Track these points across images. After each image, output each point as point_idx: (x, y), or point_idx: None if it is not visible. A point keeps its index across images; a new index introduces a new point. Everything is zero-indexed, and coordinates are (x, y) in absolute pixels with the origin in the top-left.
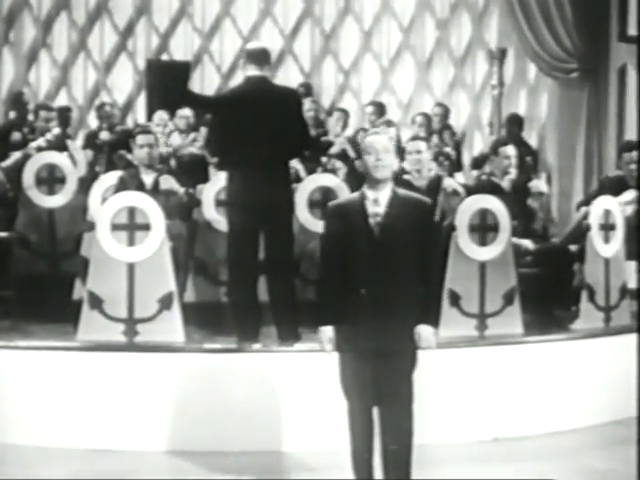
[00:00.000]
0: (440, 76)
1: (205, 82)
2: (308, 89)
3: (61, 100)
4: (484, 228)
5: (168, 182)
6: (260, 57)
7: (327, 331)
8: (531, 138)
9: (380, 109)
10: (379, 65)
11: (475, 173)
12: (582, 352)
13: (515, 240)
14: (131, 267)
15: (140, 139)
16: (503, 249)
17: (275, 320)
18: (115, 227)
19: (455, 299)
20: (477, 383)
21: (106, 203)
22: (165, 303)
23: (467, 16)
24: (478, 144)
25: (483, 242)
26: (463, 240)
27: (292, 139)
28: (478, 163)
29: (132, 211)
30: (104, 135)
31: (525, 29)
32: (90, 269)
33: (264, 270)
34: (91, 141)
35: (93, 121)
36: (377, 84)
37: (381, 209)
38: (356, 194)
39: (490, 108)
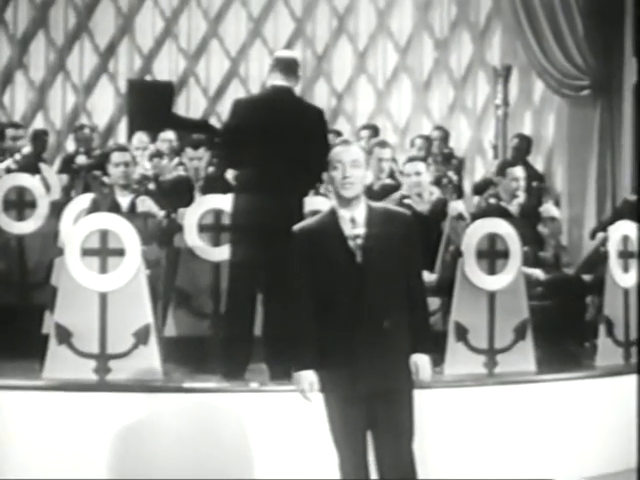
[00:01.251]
0: (439, 99)
1: (191, 105)
2: None
3: (38, 124)
4: (493, 254)
5: (146, 204)
6: (290, 66)
7: (307, 375)
8: (537, 162)
9: (375, 133)
10: (374, 88)
11: (477, 199)
12: (600, 391)
13: (525, 269)
14: (103, 297)
15: (115, 157)
16: (514, 278)
17: (267, 356)
18: (86, 252)
19: (462, 333)
20: (485, 425)
21: (76, 225)
22: (141, 337)
23: (467, 35)
24: (479, 170)
25: (492, 270)
26: (470, 268)
27: (314, 164)
28: (480, 189)
29: (105, 234)
30: (81, 159)
31: (532, 43)
32: (58, 299)
33: (262, 302)
34: (67, 165)
35: (71, 146)
36: (372, 107)
37: (361, 229)
38: (324, 214)
39: (493, 131)
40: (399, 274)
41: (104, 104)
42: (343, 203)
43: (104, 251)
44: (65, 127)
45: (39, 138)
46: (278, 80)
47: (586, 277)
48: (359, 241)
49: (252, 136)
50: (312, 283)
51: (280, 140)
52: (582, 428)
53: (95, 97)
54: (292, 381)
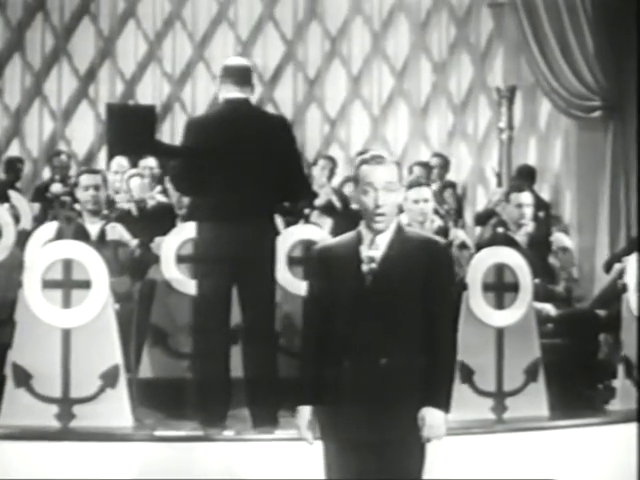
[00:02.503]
0: (438, 125)
1: (175, 132)
2: None
3: (13, 152)
4: (501, 287)
5: (116, 231)
6: (243, 75)
7: (304, 413)
8: (543, 190)
9: None
10: (369, 113)
11: (479, 230)
12: (620, 438)
13: (534, 304)
14: (66, 334)
15: (84, 179)
16: (524, 313)
17: (249, 400)
18: (47, 284)
19: (467, 374)
20: (493, 477)
21: (36, 255)
22: (109, 379)
23: (467, 57)
24: (481, 200)
25: (500, 304)
26: (476, 302)
27: (282, 180)
28: (482, 219)
29: (68, 264)
30: (56, 188)
31: (539, 60)
32: (16, 336)
33: (240, 339)
34: (41, 193)
35: (48, 175)
36: (367, 134)
37: (378, 252)
38: (352, 234)
39: (495, 158)
40: (415, 308)
41: (84, 131)
42: (370, 229)
43: (68, 283)
44: (42, 155)
45: (12, 166)
46: (231, 92)
47: (600, 312)
48: (373, 265)
49: (208, 158)
50: (322, 306)
51: (241, 159)
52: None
53: (74, 124)
54: (278, 427)
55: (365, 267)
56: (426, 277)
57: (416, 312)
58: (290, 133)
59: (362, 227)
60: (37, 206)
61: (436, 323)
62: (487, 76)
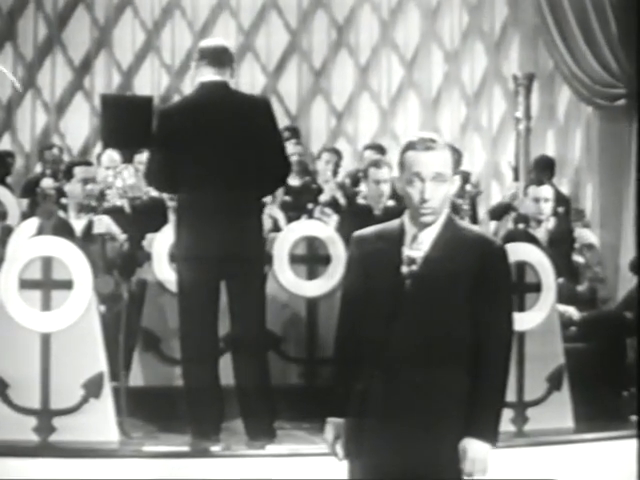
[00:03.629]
0: (450, 117)
1: None
2: (295, 134)
3: (4, 146)
4: (522, 287)
5: (103, 223)
6: (219, 56)
7: (332, 426)
8: (562, 185)
9: (381, 153)
10: (378, 106)
11: (494, 225)
12: None
13: (557, 306)
14: (46, 339)
15: (80, 172)
16: (547, 316)
17: (243, 412)
18: (25, 284)
19: None
20: None
21: (13, 252)
22: (92, 389)
23: (481, 46)
24: (496, 195)
25: (521, 306)
26: None
27: (264, 164)
28: (497, 214)
29: (48, 263)
30: (46, 183)
31: (560, 45)
32: None
33: (229, 346)
34: (30, 188)
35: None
36: (376, 127)
37: (420, 253)
38: (395, 224)
39: (510, 151)
40: (460, 318)
41: (78, 124)
42: (415, 222)
43: (47, 283)
44: (35, 150)
45: (2, 161)
46: (208, 75)
47: (627, 315)
48: (414, 267)
49: (184, 150)
50: (360, 305)
51: (217, 147)
52: None
53: (68, 117)
54: (274, 440)
55: (405, 269)
56: (476, 283)
57: (461, 323)
58: (271, 114)
59: (406, 218)
60: (26, 202)
61: (486, 339)
62: (502, 65)
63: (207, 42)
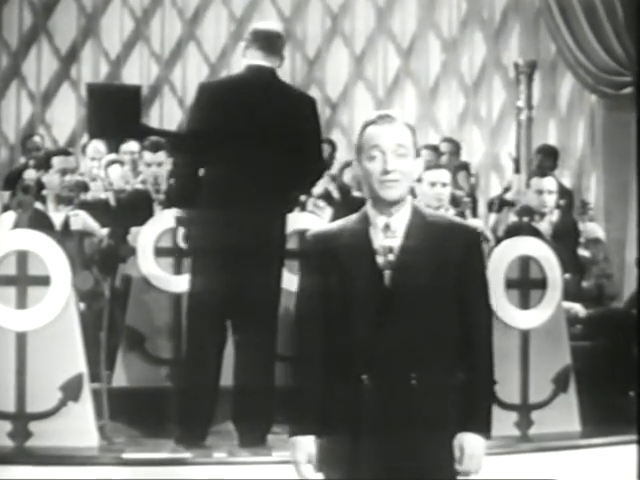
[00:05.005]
0: (448, 107)
1: (164, 116)
2: None
3: None
4: (526, 283)
5: (79, 220)
6: (272, 42)
7: (304, 445)
8: (563, 176)
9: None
10: (373, 96)
11: (494, 218)
12: None
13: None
14: (21, 338)
15: (58, 162)
16: (553, 313)
17: (236, 413)
18: None
19: None
20: None
21: None
22: (71, 391)
23: (480, 34)
24: (495, 188)
25: (525, 303)
26: (498, 300)
27: (304, 168)
28: (497, 206)
29: (23, 258)
30: (29, 174)
31: (564, 31)
32: None
33: (235, 346)
34: (12, 180)
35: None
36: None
37: (396, 241)
38: (353, 217)
39: (510, 142)
40: (446, 309)
41: (65, 115)
42: (380, 206)
43: (23, 279)
44: (20, 141)
45: None
46: (255, 59)
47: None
48: (391, 257)
49: (221, 130)
50: (323, 309)
51: (259, 136)
52: None
53: (55, 107)
54: (268, 448)
55: (381, 260)
56: (460, 271)
57: (448, 314)
58: (315, 114)
59: (369, 207)
60: (6, 195)
61: (472, 328)
62: (502, 54)
63: (261, 24)
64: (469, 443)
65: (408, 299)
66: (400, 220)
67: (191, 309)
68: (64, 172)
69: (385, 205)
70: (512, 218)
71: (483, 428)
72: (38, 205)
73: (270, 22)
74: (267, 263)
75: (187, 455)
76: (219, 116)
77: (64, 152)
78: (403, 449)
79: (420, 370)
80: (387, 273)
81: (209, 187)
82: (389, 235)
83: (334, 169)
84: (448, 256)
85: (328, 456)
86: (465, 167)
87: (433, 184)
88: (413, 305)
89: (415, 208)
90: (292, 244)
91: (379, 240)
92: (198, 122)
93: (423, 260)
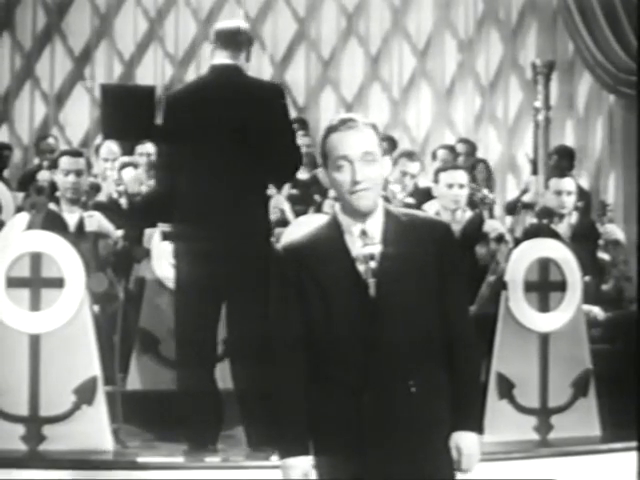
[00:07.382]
0: (464, 108)
1: None
2: (303, 126)
3: (1, 139)
4: (546, 286)
5: (94, 221)
6: (232, 38)
7: (298, 464)
8: (580, 177)
9: (392, 145)
10: (389, 96)
11: (510, 220)
12: None
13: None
14: (35, 341)
15: (65, 162)
16: (572, 316)
17: (244, 419)
18: (12, 282)
19: (506, 388)
20: None
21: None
22: (84, 395)
23: (496, 34)
24: (512, 189)
25: (545, 306)
26: (517, 303)
27: (273, 155)
28: (514, 208)
29: (37, 259)
30: (43, 175)
31: (582, 31)
32: None
33: (228, 350)
34: (27, 181)
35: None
36: (387, 119)
37: (376, 247)
38: (322, 225)
39: (527, 143)
40: (432, 309)
41: (79, 116)
42: (353, 214)
43: (37, 281)
44: (33, 142)
45: None
46: (220, 58)
47: None
48: (372, 265)
49: (188, 138)
50: (303, 327)
51: (229, 130)
52: None
53: (68, 108)
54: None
55: (362, 268)
56: (441, 269)
57: (434, 314)
58: (283, 102)
59: (338, 213)
60: (22, 196)
61: (457, 326)
62: (518, 54)
63: (222, 23)
64: (465, 442)
65: (395, 306)
66: (375, 224)
67: (177, 311)
68: (68, 173)
69: (359, 213)
70: (530, 220)
71: (476, 425)
72: (52, 206)
73: (233, 20)
74: (254, 259)
75: (201, 459)
76: (184, 124)
77: (73, 153)
78: (407, 459)
79: (418, 376)
80: (371, 282)
81: (184, 196)
82: (368, 242)
83: None
84: (425, 255)
85: (324, 470)
86: (483, 163)
87: (450, 185)
88: (401, 311)
89: (386, 210)
90: None
91: (357, 248)
92: (166, 137)
93: (405, 264)
